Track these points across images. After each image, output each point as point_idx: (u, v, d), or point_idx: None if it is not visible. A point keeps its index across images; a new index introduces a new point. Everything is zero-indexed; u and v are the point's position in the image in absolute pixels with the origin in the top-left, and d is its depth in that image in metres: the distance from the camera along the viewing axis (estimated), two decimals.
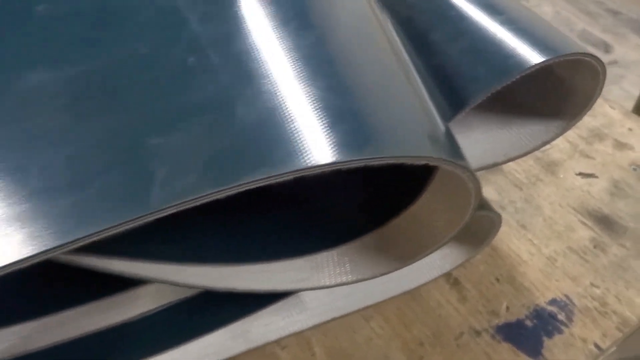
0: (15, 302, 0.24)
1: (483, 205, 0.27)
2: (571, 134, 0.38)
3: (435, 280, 0.29)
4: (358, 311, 0.28)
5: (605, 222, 0.33)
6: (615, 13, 1.42)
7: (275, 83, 0.15)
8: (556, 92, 0.28)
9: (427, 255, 0.22)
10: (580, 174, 0.36)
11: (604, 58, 1.45)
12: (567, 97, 0.27)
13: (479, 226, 0.28)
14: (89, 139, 0.14)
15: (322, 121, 0.14)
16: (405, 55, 0.22)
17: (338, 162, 0.13)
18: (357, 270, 0.22)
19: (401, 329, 0.27)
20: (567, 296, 0.29)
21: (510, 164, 0.36)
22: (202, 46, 0.15)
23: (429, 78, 0.25)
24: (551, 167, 0.36)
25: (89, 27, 0.17)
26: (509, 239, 0.32)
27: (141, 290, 0.24)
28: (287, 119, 0.14)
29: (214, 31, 0.16)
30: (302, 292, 0.27)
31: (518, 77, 0.23)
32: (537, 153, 0.37)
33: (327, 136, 0.14)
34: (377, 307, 0.28)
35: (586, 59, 0.24)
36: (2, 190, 0.13)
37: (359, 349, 0.27)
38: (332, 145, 0.14)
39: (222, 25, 0.16)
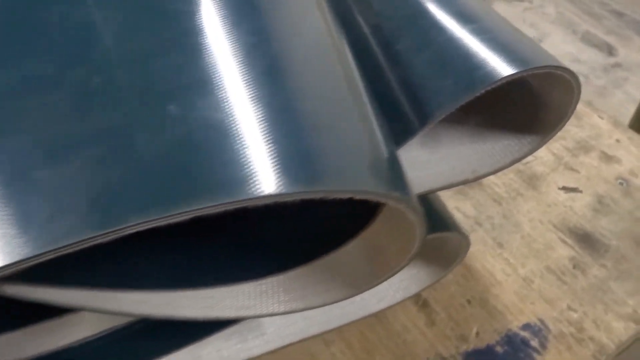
0: None
1: (449, 225, 0.25)
2: (556, 145, 0.37)
3: (402, 302, 0.28)
4: (318, 335, 0.26)
5: (586, 240, 0.31)
6: (619, 14, 1.39)
7: (191, 107, 0.13)
8: (531, 106, 0.26)
9: (379, 284, 0.20)
10: (563, 188, 0.34)
11: (607, 60, 1.43)
12: (542, 111, 0.26)
13: (447, 247, 0.26)
14: None
15: (238, 151, 0.13)
16: (356, 74, 0.20)
17: (248, 200, 0.12)
18: (306, 297, 0.21)
19: (364, 354, 0.26)
20: (541, 321, 0.27)
21: (490, 177, 0.35)
22: (112, 65, 0.14)
23: (394, 91, 0.24)
24: (533, 181, 0.34)
25: None
26: (484, 257, 0.30)
27: (81, 315, 0.22)
28: (196, 149, 0.13)
29: (130, 48, 0.14)
30: None
31: (484, 91, 0.21)
32: (519, 166, 0.36)
33: (238, 169, 0.13)
34: (339, 330, 0.27)
35: (560, 72, 0.23)
36: None
37: None
38: (245, 180, 0.12)
39: (141, 41, 0.15)
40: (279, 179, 0.12)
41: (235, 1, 0.17)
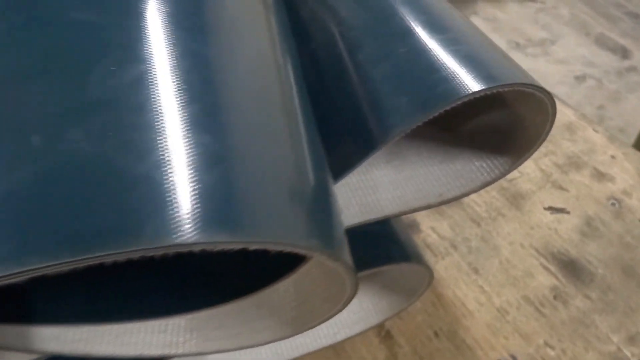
0: None
1: (410, 256, 0.23)
2: (545, 161, 0.34)
3: (363, 332, 0.25)
4: None
5: (570, 267, 0.29)
6: (635, 16, 1.35)
7: (59, 138, 0.11)
8: (504, 125, 0.24)
9: (312, 328, 0.18)
10: (549, 208, 0.31)
11: (622, 64, 1.39)
12: (516, 132, 0.23)
13: (409, 277, 0.24)
14: None
15: (130, 196, 0.11)
16: (295, 98, 0.18)
17: (145, 250, 0.10)
18: (236, 335, 0.19)
19: None
20: (514, 358, 0.25)
21: (471, 195, 0.32)
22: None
23: (351, 107, 0.22)
24: (517, 200, 0.32)
25: None
26: (457, 284, 0.28)
27: None
28: (55, 191, 0.11)
29: (4, 66, 0.13)
30: None
31: (442, 111, 0.19)
32: (503, 182, 0.33)
33: (125, 215, 0.11)
34: None
35: (531, 91, 0.20)
36: None
37: None
38: (138, 228, 0.10)
39: (20, 58, 0.13)
40: (165, 228, 0.10)
41: (165, 19, 0.15)
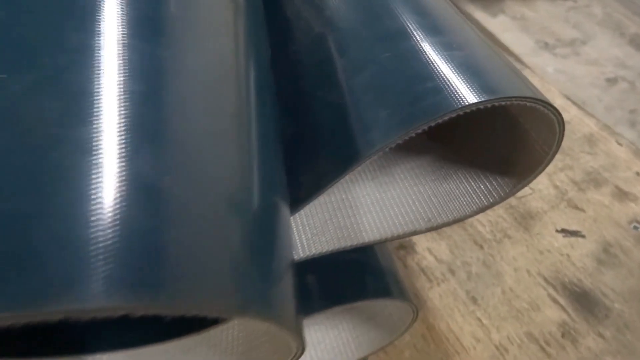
0: None
1: (391, 291, 0.20)
2: (561, 176, 0.31)
3: None
4: None
5: (583, 300, 0.25)
6: None
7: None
8: (508, 142, 0.21)
9: None
10: (562, 230, 0.28)
11: None
12: (520, 150, 0.20)
13: (391, 313, 0.21)
14: None
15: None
16: (252, 116, 0.16)
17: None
18: None
19: None
20: None
21: None
22: None
23: (327, 118, 0.19)
24: (526, 220, 0.29)
25: None
26: (452, 315, 0.25)
27: None
28: None
29: None
30: None
31: (425, 127, 0.17)
32: (511, 200, 0.30)
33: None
34: None
35: (533, 105, 0.17)
36: None
37: None
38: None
39: None
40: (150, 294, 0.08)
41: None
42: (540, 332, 0.24)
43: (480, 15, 0.90)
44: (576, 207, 0.29)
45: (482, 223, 0.29)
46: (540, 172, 0.19)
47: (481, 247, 0.27)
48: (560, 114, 0.17)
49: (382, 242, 0.20)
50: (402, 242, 0.28)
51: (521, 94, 0.17)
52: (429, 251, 0.27)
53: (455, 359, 0.23)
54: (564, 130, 0.18)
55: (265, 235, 0.13)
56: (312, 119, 0.20)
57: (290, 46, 0.23)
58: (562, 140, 0.18)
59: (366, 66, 0.19)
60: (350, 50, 0.20)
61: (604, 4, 1.40)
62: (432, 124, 0.16)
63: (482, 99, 0.16)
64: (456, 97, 0.17)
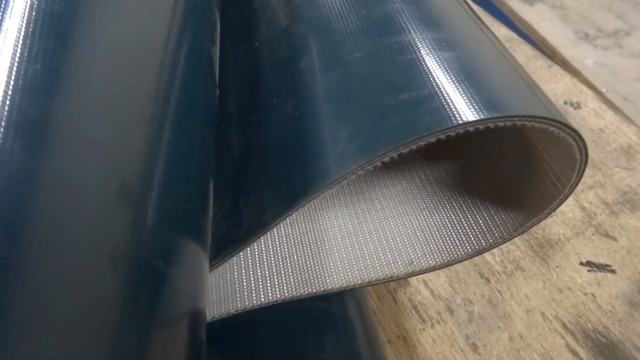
0: None
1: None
2: (589, 195, 0.26)
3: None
4: None
5: (610, 353, 0.21)
6: None
7: None
8: (517, 167, 0.16)
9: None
10: (587, 263, 0.24)
11: None
12: (531, 179, 0.16)
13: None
14: None
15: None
16: (160, 161, 0.12)
17: None
18: None
19: None
20: None
21: None
22: None
23: (285, 134, 0.16)
24: (544, 249, 0.24)
25: None
26: None
27: None
28: None
29: None
30: None
31: (394, 155, 0.13)
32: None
33: None
34: None
35: (543, 126, 0.13)
36: None
37: None
38: None
39: None
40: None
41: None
42: None
43: (515, 3, 0.84)
44: (607, 235, 0.24)
45: (492, 252, 0.24)
46: (553, 210, 0.15)
47: (488, 280, 0.23)
48: (582, 139, 0.13)
49: (349, 288, 0.16)
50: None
51: (531, 112, 0.13)
52: (425, 284, 0.23)
53: None
54: (586, 159, 0.14)
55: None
56: (264, 132, 0.16)
57: (251, 42, 0.19)
58: (583, 171, 0.14)
59: (331, 68, 0.15)
60: (317, 48, 0.16)
61: None
62: (404, 151, 0.12)
63: (479, 117, 0.12)
64: (440, 114, 0.13)
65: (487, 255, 0.24)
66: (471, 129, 0.12)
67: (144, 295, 0.10)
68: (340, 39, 0.16)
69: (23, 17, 0.10)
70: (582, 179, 0.15)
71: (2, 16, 0.10)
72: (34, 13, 0.11)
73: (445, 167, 0.18)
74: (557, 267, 0.23)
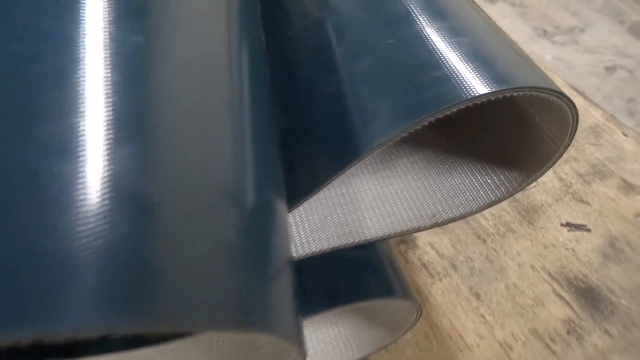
0: None
1: (394, 290, 0.19)
2: (565, 168, 0.30)
3: None
4: None
5: (588, 296, 0.25)
6: None
7: None
8: (516, 134, 0.20)
9: None
10: (567, 224, 0.27)
11: None
12: (529, 144, 0.19)
13: (394, 312, 0.21)
14: None
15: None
16: (246, 109, 0.15)
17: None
18: None
19: None
20: None
21: None
22: None
23: (326, 109, 0.19)
24: (529, 214, 0.28)
25: None
26: (455, 311, 0.24)
27: None
28: None
29: None
30: None
31: (432, 120, 0.16)
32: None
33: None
34: None
35: (546, 96, 0.16)
36: None
37: None
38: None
39: None
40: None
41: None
42: (545, 329, 0.24)
43: (477, 0, 0.88)
44: (581, 201, 0.28)
45: (485, 217, 0.28)
46: (550, 167, 0.18)
47: (484, 241, 0.27)
48: (574, 106, 0.17)
49: (385, 239, 0.19)
50: (403, 237, 0.27)
51: (535, 84, 0.16)
52: (431, 245, 0.27)
53: (458, 357, 0.23)
54: (577, 123, 0.17)
55: (262, 235, 0.12)
56: (309, 109, 0.19)
57: (286, 32, 0.22)
58: (574, 134, 0.18)
59: (367, 53, 0.18)
60: (350, 36, 0.19)
61: None
62: (439, 116, 0.15)
63: (493, 90, 0.15)
64: (464, 87, 0.16)
65: (481, 220, 0.28)
66: (492, 97, 0.15)
67: (255, 230, 0.13)
68: (371, 29, 0.19)
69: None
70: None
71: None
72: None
73: (455, 139, 0.22)
74: (541, 228, 0.27)
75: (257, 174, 0.13)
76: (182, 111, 0.13)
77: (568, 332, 0.23)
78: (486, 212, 0.28)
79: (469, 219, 0.28)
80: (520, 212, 0.28)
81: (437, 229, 0.28)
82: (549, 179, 0.29)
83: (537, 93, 0.16)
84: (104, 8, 0.12)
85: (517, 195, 0.29)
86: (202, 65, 0.14)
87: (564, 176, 0.30)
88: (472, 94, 0.15)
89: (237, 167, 0.13)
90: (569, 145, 0.18)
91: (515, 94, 0.16)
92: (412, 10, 0.19)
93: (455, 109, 0.15)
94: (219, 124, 0.14)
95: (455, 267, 0.26)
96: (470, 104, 0.15)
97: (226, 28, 0.17)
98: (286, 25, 0.22)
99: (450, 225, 0.28)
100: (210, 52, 0.15)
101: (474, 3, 0.20)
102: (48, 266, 0.07)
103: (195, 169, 0.12)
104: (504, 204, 0.28)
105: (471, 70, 0.16)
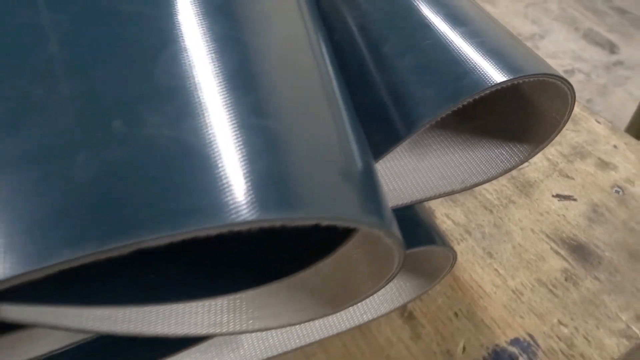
0: None
1: (435, 239, 0.24)
2: (551, 150, 0.36)
3: (387, 313, 0.27)
4: (299, 348, 0.25)
5: (579, 251, 0.30)
6: (622, 12, 1.37)
7: (139, 123, 0.12)
8: (524, 114, 0.25)
9: (353, 305, 0.19)
10: (557, 195, 0.33)
11: (609, 58, 1.41)
12: (535, 120, 0.24)
13: (433, 260, 0.25)
14: None
15: (205, 177, 0.12)
16: (333, 81, 0.19)
17: (193, 232, 0.11)
18: (279, 314, 0.20)
19: None
20: (531, 336, 0.26)
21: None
22: (55, 75, 0.13)
23: (378, 96, 0.23)
24: (526, 188, 0.33)
25: None
26: (473, 268, 0.29)
27: (45, 330, 0.21)
28: (139, 173, 0.12)
29: (77, 54, 0.13)
30: None
31: (470, 100, 0.20)
32: (512, 172, 0.35)
33: (201, 196, 0.12)
34: (321, 343, 0.26)
35: (553, 81, 0.21)
36: None
37: None
38: (212, 208, 0.11)
39: (90, 47, 0.14)
40: (229, 209, 0.11)
41: (202, 3, 0.16)
42: (547, 277, 0.29)
43: None
44: (566, 176, 0.34)
45: (489, 192, 0.33)
46: (554, 138, 0.24)
47: (491, 211, 0.32)
48: (573, 88, 0.22)
49: (426, 200, 0.24)
50: None
51: (543, 71, 0.21)
52: (447, 216, 0.32)
53: (480, 302, 0.27)
54: (574, 102, 0.22)
55: (373, 171, 0.17)
56: (362, 98, 0.24)
57: (330, 35, 0.27)
58: (572, 110, 0.23)
59: (409, 52, 0.23)
60: (390, 39, 0.24)
61: (560, 0, 1.49)
62: (474, 98, 0.20)
63: (514, 77, 0.20)
64: (490, 76, 0.21)
65: (487, 194, 0.33)
66: (515, 82, 0.20)
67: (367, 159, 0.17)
68: (409, 33, 0.23)
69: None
70: None
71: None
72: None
73: (472, 121, 0.27)
74: (536, 199, 0.33)
75: (357, 138, 0.18)
76: (285, 73, 0.17)
77: (566, 279, 0.29)
78: (490, 188, 0.33)
79: (476, 193, 0.33)
80: (518, 187, 0.33)
81: (450, 203, 0.32)
82: (539, 160, 0.35)
83: (546, 79, 0.21)
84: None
85: (514, 173, 0.34)
86: (294, 51, 0.19)
87: (550, 157, 0.35)
88: (500, 80, 0.20)
89: (342, 133, 0.17)
90: (567, 120, 0.23)
91: (531, 79, 0.21)
92: (438, 18, 0.24)
93: (487, 92, 0.20)
94: (322, 102, 0.18)
95: (469, 233, 0.31)
96: (498, 87, 0.20)
97: (304, 24, 0.21)
98: (331, 30, 0.27)
99: (461, 199, 0.33)
100: (298, 43, 0.20)
101: (481, 8, 0.26)
102: (212, 171, 0.11)
103: (305, 110, 0.16)
104: (504, 180, 0.33)
105: (495, 63, 0.21)
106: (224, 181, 0.12)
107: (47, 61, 0.13)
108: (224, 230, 0.11)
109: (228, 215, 0.11)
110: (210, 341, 0.24)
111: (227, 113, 0.13)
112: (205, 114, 0.13)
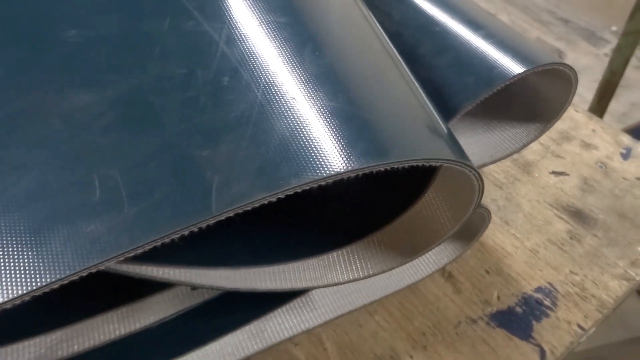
0: (39, 313, 0.24)
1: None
2: (543, 136, 0.42)
3: (431, 275, 0.31)
4: (363, 307, 0.30)
5: (578, 215, 0.36)
6: (566, 21, 1.50)
7: (300, 99, 0.17)
8: (532, 98, 0.31)
9: (431, 250, 0.24)
10: (553, 172, 0.39)
11: None
12: (543, 103, 0.30)
13: (471, 222, 0.30)
14: (140, 154, 0.16)
15: (345, 132, 0.16)
16: (402, 63, 0.24)
17: (366, 167, 0.15)
18: (366, 266, 0.24)
19: (404, 321, 0.30)
20: (550, 284, 0.32)
21: (490, 165, 0.39)
22: (233, 66, 0.17)
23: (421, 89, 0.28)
24: (527, 167, 0.39)
25: (123, 50, 0.19)
26: (494, 234, 0.34)
27: (159, 297, 0.25)
28: (315, 131, 0.16)
29: (240, 52, 0.18)
30: (311, 292, 0.28)
31: (502, 86, 0.26)
32: (514, 155, 0.40)
33: (352, 145, 0.16)
34: (380, 302, 0.30)
35: (562, 68, 0.27)
36: (70, 203, 0.15)
37: (367, 342, 0.28)
38: (359, 154, 0.16)
39: (246, 47, 0.18)
40: (391, 153, 0.16)
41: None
42: (556, 238, 0.34)
43: None
44: (558, 156, 0.40)
45: (497, 172, 0.38)
46: (561, 115, 0.29)
47: (501, 188, 0.37)
48: (576, 73, 0.27)
49: None
50: None
51: (554, 60, 0.26)
52: None
53: (505, 260, 0.33)
54: (577, 84, 0.28)
55: (445, 122, 0.21)
56: None
57: None
58: (575, 92, 0.28)
59: (445, 51, 0.28)
60: (426, 42, 0.29)
61: (509, 12, 1.61)
62: (509, 82, 0.26)
63: (532, 67, 0.25)
64: (515, 66, 0.26)
65: (495, 174, 0.38)
66: (536, 69, 0.26)
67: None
68: (442, 36, 0.28)
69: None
70: None
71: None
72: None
73: (489, 114, 0.32)
74: (537, 176, 0.38)
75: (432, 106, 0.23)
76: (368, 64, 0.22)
77: (571, 238, 0.34)
78: (497, 169, 0.39)
79: (486, 174, 0.38)
80: (520, 167, 0.39)
81: None
82: (533, 144, 0.41)
83: (558, 67, 0.27)
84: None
85: (515, 157, 0.40)
86: (372, 50, 0.24)
87: (542, 142, 0.41)
88: (522, 69, 0.25)
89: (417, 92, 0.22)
90: (571, 100, 0.28)
91: (546, 67, 0.26)
92: (462, 24, 0.29)
93: (515, 79, 0.25)
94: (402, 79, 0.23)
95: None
96: (523, 75, 0.25)
97: (368, 22, 0.26)
98: None
99: None
100: (373, 45, 0.24)
101: (491, 14, 0.31)
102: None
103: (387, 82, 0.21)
104: (508, 162, 0.39)
105: (513, 57, 0.26)
106: (378, 134, 0.16)
107: (224, 57, 0.17)
108: (389, 167, 0.16)
109: (396, 154, 0.16)
110: (291, 304, 0.28)
111: (365, 90, 0.18)
112: (351, 91, 0.17)
